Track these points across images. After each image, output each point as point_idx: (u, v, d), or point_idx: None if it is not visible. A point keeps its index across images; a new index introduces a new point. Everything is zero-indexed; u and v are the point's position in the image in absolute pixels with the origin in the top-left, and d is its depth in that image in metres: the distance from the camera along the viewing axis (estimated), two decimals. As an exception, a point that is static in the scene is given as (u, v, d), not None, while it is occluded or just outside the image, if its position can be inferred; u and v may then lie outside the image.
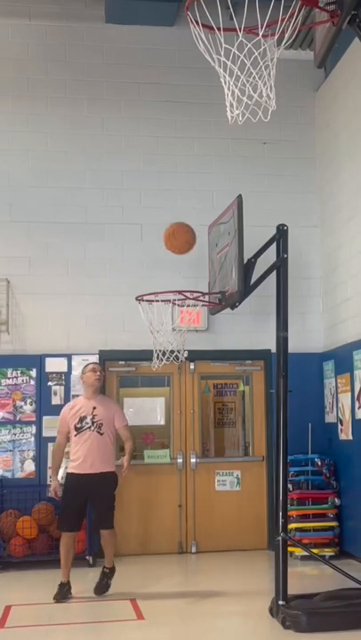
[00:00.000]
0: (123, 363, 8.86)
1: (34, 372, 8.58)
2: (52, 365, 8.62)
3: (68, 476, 6.64)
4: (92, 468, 6.52)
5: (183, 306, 7.25)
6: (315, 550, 7.48)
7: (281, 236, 6.10)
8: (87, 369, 6.85)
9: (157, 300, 7.11)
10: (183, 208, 9.05)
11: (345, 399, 8.25)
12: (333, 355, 8.72)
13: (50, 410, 8.42)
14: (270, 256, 6.17)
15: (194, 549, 8.66)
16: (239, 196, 6.41)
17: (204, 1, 4.25)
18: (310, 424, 8.71)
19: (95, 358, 8.44)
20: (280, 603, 5.58)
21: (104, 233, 8.99)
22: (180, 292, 7.10)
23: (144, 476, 8.63)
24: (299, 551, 7.79)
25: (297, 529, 8.10)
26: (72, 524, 6.53)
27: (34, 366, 8.59)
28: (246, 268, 6.20)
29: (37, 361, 8.60)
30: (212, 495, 8.82)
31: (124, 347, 8.74)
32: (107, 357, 8.62)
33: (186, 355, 7.56)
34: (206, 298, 7.21)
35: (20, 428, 8.46)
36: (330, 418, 8.78)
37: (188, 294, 7.10)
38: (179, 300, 7.15)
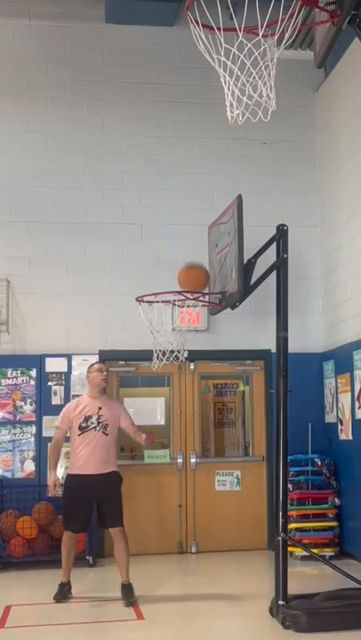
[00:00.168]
0: (123, 363, 8.86)
1: (34, 372, 8.58)
2: (52, 365, 8.62)
3: (70, 477, 6.54)
4: (97, 469, 6.42)
5: (183, 306, 7.25)
6: (315, 550, 7.48)
7: (281, 236, 6.10)
8: (93, 369, 6.72)
9: (158, 301, 7.11)
10: (183, 208, 9.06)
11: (345, 399, 8.25)
12: (333, 355, 8.72)
13: (50, 410, 8.42)
14: (270, 256, 6.17)
15: (194, 549, 8.66)
16: (239, 196, 6.42)
17: (204, 1, 4.25)
18: (310, 424, 8.70)
19: (95, 358, 8.45)
20: (280, 603, 5.59)
21: (104, 233, 8.99)
22: (180, 293, 7.10)
23: (144, 476, 8.63)
24: (299, 551, 7.79)
25: (297, 529, 8.10)
26: (80, 525, 6.48)
27: (34, 366, 8.59)
28: (246, 268, 6.20)
29: (37, 361, 8.60)
30: (212, 495, 8.82)
31: (124, 347, 8.74)
32: (107, 357, 8.62)
33: (186, 355, 7.55)
34: (206, 298, 7.21)
35: (20, 428, 8.46)
36: (330, 418, 8.78)
37: (188, 294, 7.10)
38: (179, 300, 7.15)
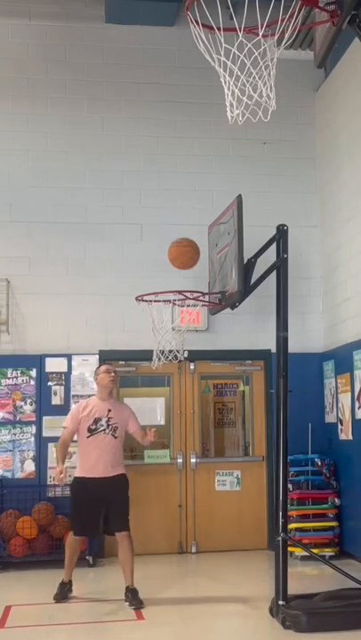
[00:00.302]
0: (123, 363, 8.85)
1: (34, 372, 8.57)
2: (52, 365, 8.61)
3: (78, 480, 6.42)
4: (105, 471, 6.32)
5: (183, 306, 7.25)
6: (315, 550, 7.48)
7: (281, 236, 6.10)
8: (101, 370, 6.63)
9: (158, 301, 7.11)
10: (183, 208, 9.06)
11: (345, 399, 8.25)
12: (333, 355, 8.72)
13: (50, 410, 8.43)
14: (270, 256, 6.17)
15: (194, 549, 8.66)
16: (239, 196, 6.42)
17: (204, 1, 4.25)
18: (310, 424, 8.70)
19: (95, 358, 8.46)
20: (280, 603, 5.58)
21: (104, 233, 8.99)
22: (180, 292, 7.10)
23: (144, 476, 8.63)
24: (299, 551, 7.79)
25: (297, 529, 8.10)
26: (91, 531, 6.46)
27: (34, 366, 8.58)
28: (246, 268, 6.20)
29: (37, 361, 8.60)
30: (212, 495, 8.82)
31: (124, 347, 8.74)
32: (107, 357, 8.60)
33: (186, 355, 7.55)
34: (206, 298, 7.21)
35: (20, 428, 8.46)
36: (330, 418, 8.78)
37: (188, 294, 7.10)
38: (179, 300, 7.15)
